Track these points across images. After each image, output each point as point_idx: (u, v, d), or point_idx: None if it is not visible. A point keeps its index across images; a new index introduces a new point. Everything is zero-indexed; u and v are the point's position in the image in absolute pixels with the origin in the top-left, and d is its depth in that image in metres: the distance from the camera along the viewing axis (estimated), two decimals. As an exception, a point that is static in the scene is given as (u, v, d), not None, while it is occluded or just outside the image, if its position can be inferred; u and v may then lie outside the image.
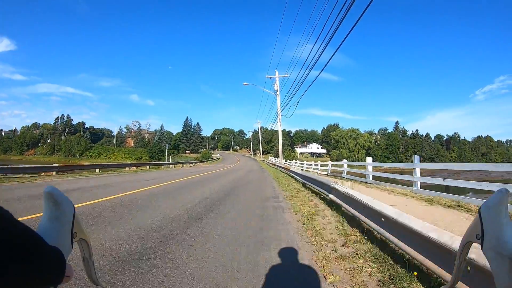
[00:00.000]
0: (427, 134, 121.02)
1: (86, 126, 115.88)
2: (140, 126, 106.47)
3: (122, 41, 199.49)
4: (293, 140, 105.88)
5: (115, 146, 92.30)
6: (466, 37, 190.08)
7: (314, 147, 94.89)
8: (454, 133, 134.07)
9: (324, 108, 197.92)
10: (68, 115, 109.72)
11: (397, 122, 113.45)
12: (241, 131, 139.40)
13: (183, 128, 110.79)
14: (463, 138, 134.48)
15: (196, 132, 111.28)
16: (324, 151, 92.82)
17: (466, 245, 0.54)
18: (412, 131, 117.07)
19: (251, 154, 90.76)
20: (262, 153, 71.45)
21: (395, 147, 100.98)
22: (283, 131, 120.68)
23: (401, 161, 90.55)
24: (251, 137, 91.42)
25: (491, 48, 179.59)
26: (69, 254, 0.49)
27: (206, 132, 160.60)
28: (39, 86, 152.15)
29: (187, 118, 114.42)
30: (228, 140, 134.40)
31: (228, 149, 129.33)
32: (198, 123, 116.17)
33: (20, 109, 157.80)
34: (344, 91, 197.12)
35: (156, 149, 73.38)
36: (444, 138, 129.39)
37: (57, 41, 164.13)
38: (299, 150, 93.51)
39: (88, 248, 0.56)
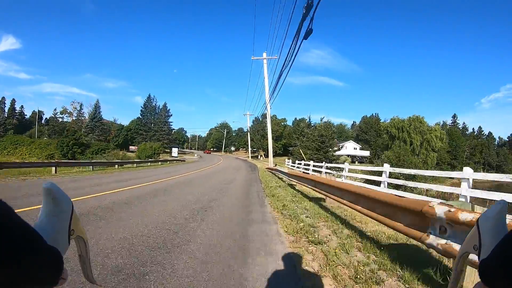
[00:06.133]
0: (490, 134, 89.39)
1: (44, 116, 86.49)
2: (81, 110, 68.28)
3: (127, 42, 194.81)
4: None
5: (45, 137, 60.46)
6: (474, 44, 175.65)
7: (350, 148, 60.48)
8: (511, 134, 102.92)
9: (329, 114, 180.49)
10: (13, 99, 78.85)
11: (454, 115, 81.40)
12: (240, 130, 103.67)
13: (141, 112, 69.81)
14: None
15: (160, 119, 69.26)
16: (367, 153, 59.80)
17: (463, 256, 0.51)
18: (473, 128, 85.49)
19: (248, 157, 58.24)
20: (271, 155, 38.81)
21: (460, 149, 69.23)
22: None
23: (475, 171, 59.02)
24: (248, 128, 57.03)
25: (497, 56, 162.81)
26: (66, 251, 0.47)
27: (203, 133, 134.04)
28: (44, 85, 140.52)
29: (149, 96, 71.74)
30: (219, 137, 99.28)
31: (219, 149, 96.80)
32: (165, 104, 72.31)
33: (24, 108, 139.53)
34: (348, 97, 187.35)
35: (70, 140, 40.82)
36: (496, 141, 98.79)
37: (63, 40, 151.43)
38: (325, 151, 60.91)
39: (85, 246, 0.54)
